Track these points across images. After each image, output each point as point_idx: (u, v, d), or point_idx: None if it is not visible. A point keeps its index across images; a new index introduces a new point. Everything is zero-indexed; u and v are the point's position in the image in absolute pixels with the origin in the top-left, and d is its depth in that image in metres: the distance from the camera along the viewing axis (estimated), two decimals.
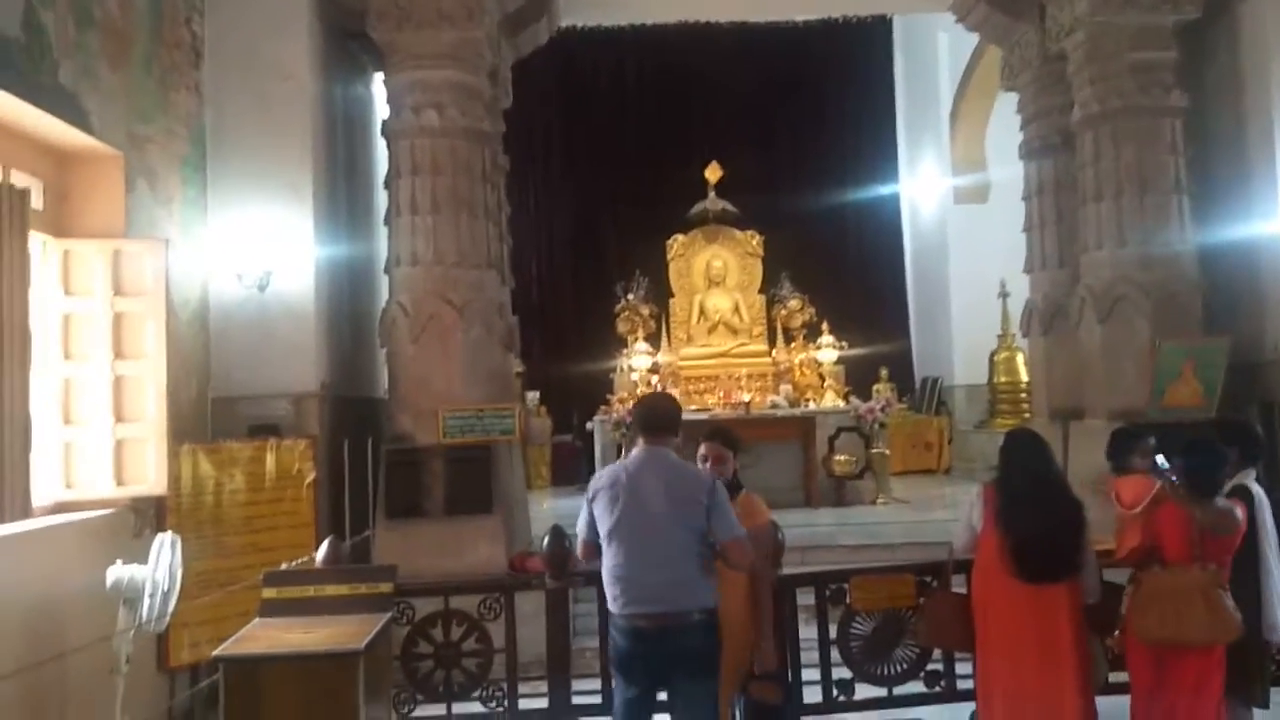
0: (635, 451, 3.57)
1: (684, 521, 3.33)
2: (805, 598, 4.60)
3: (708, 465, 3.77)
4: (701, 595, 3.37)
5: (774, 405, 9.83)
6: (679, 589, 3.33)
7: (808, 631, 4.56)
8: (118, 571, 4.21)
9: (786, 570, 4.37)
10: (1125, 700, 4.11)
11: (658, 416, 3.56)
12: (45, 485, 4.71)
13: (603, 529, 3.43)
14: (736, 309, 10.80)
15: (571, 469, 11.84)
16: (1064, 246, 7.48)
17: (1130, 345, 6.56)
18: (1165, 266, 6.54)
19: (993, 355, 11.58)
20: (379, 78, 7.38)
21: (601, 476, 3.55)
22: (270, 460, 5.66)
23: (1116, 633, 4.03)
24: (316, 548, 4.76)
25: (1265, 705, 4.18)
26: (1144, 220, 6.55)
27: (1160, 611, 3.75)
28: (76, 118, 4.65)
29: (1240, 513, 3.85)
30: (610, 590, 3.44)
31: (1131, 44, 6.60)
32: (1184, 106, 6.66)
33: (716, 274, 10.86)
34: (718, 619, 3.43)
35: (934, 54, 12.74)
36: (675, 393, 9.94)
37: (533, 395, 12.14)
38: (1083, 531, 3.83)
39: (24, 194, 4.12)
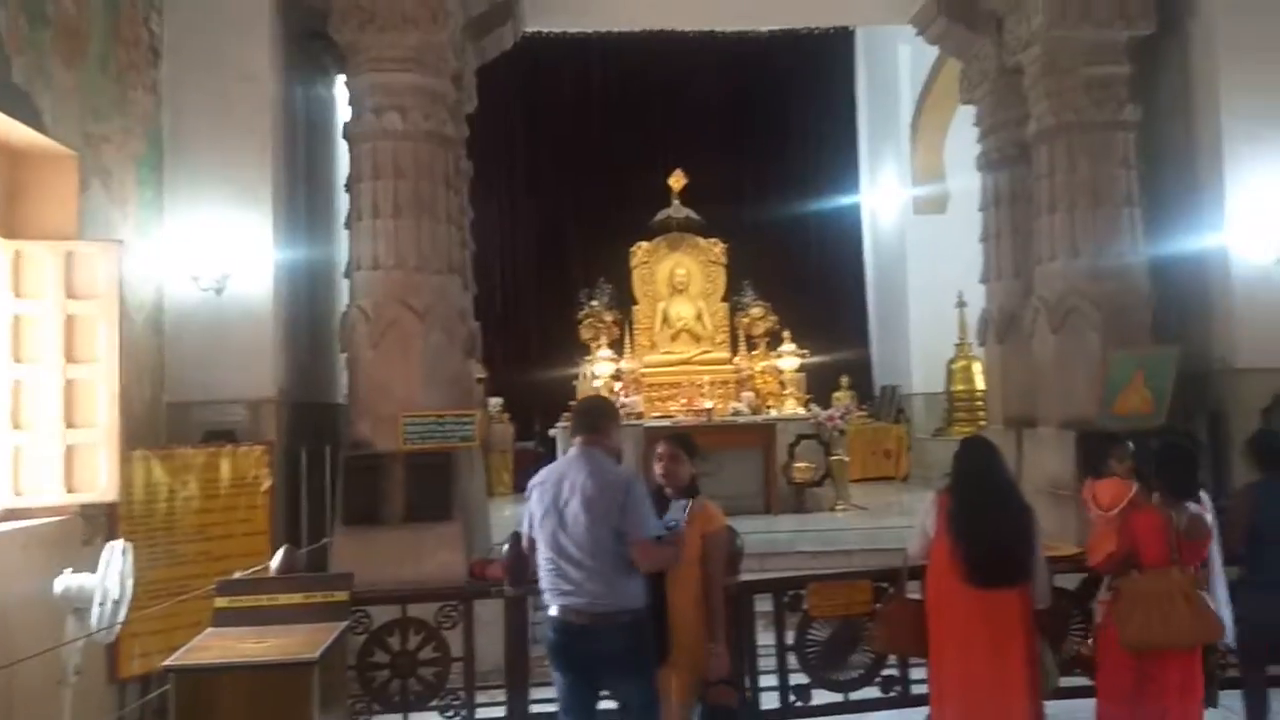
0: (570, 451, 3.65)
1: (602, 519, 3.38)
2: (763, 604, 4.64)
3: (661, 465, 3.83)
4: (624, 595, 3.41)
5: (736, 412, 9.90)
6: (601, 586, 3.38)
7: (765, 638, 4.60)
8: (66, 580, 4.12)
9: (745, 576, 4.40)
10: (1079, 704, 4.19)
11: (589, 416, 3.68)
12: None
13: (535, 524, 3.54)
14: (699, 316, 10.86)
15: (534, 476, 11.75)
16: (1019, 257, 7.61)
17: (1082, 355, 6.69)
18: (1116, 278, 6.68)
19: (950, 364, 11.75)
20: (341, 79, 7.30)
21: (539, 474, 3.66)
22: (225, 467, 5.57)
23: (1090, 640, 4.10)
24: (272, 556, 4.71)
25: (1214, 705, 4.30)
26: (1096, 232, 6.68)
27: (1145, 616, 3.79)
28: (29, 116, 4.55)
29: (1209, 518, 3.97)
30: (541, 584, 3.54)
31: (1086, 59, 6.74)
32: (1137, 121, 6.82)
33: (680, 281, 10.91)
34: (647, 619, 3.47)
35: (895, 66, 12.92)
36: (638, 399, 9.99)
37: (495, 401, 12.09)
38: (1033, 538, 3.91)
39: None
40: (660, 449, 3.90)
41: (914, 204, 12.73)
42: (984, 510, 3.83)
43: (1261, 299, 6.53)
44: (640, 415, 9.65)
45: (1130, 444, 4.69)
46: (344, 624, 4.01)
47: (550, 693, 4.43)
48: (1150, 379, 6.28)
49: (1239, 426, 6.29)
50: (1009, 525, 3.84)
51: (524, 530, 3.68)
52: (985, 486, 3.91)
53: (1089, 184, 6.70)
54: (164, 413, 5.92)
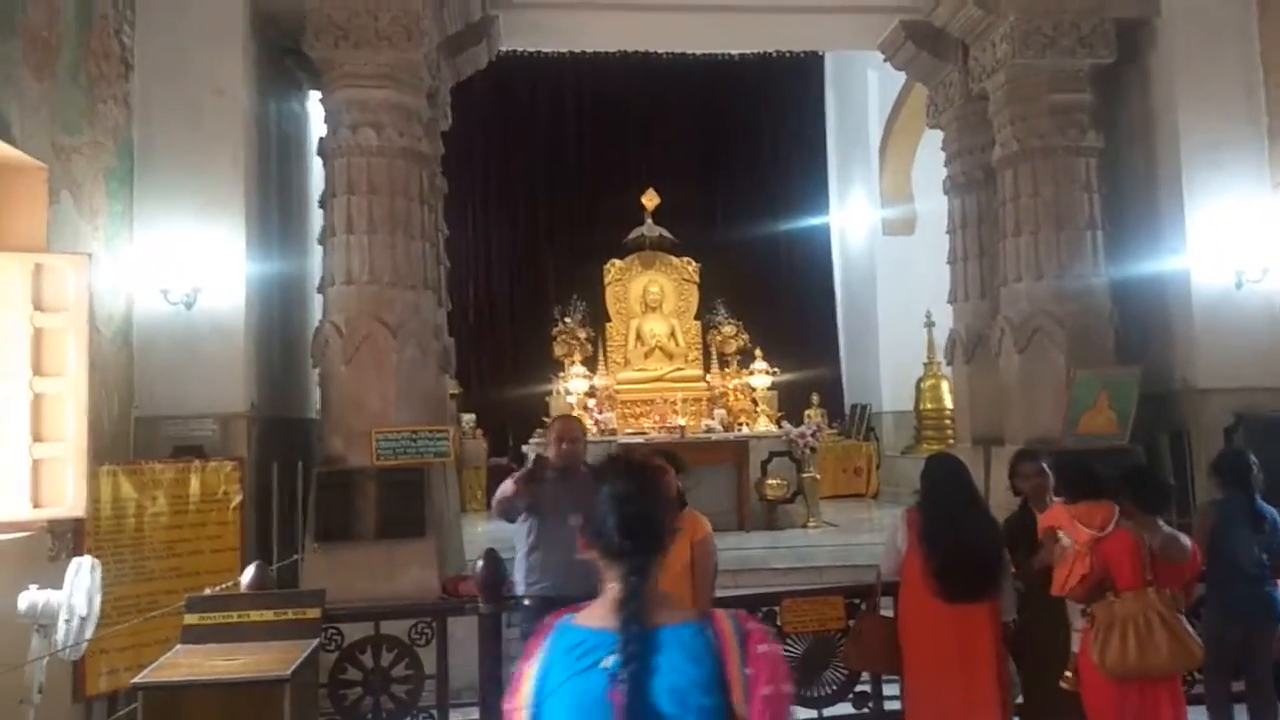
0: None
1: None
2: None
3: None
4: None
5: (708, 429, 9.94)
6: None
7: None
8: (31, 596, 4.05)
9: (719, 593, 4.42)
10: None
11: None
12: None
13: None
14: (672, 334, 10.91)
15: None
16: (985, 278, 7.76)
17: (1047, 374, 6.81)
18: (1080, 299, 6.82)
19: (919, 383, 11.89)
20: (315, 95, 7.31)
21: None
22: (195, 482, 5.51)
23: (1069, 673, 3.92)
24: (242, 572, 4.66)
25: None
26: (1060, 255, 6.82)
27: (1122, 641, 3.65)
28: None
29: (1188, 542, 3.86)
30: None
31: (1049, 86, 6.91)
32: (1099, 147, 6.98)
33: (653, 299, 10.96)
34: None
35: (864, 90, 13.13)
36: (612, 415, 10.00)
37: (468, 418, 12.05)
38: (1001, 552, 3.97)
39: None
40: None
41: (883, 225, 12.91)
42: (954, 525, 3.87)
43: (1222, 321, 6.71)
44: (614, 432, 9.67)
45: (1040, 460, 4.56)
46: (316, 641, 3.97)
47: None
48: (1114, 399, 6.42)
49: (1201, 446, 6.44)
50: (978, 538, 3.89)
51: None
52: (954, 501, 3.96)
53: (1052, 207, 6.85)
54: (133, 428, 5.85)
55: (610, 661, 1.57)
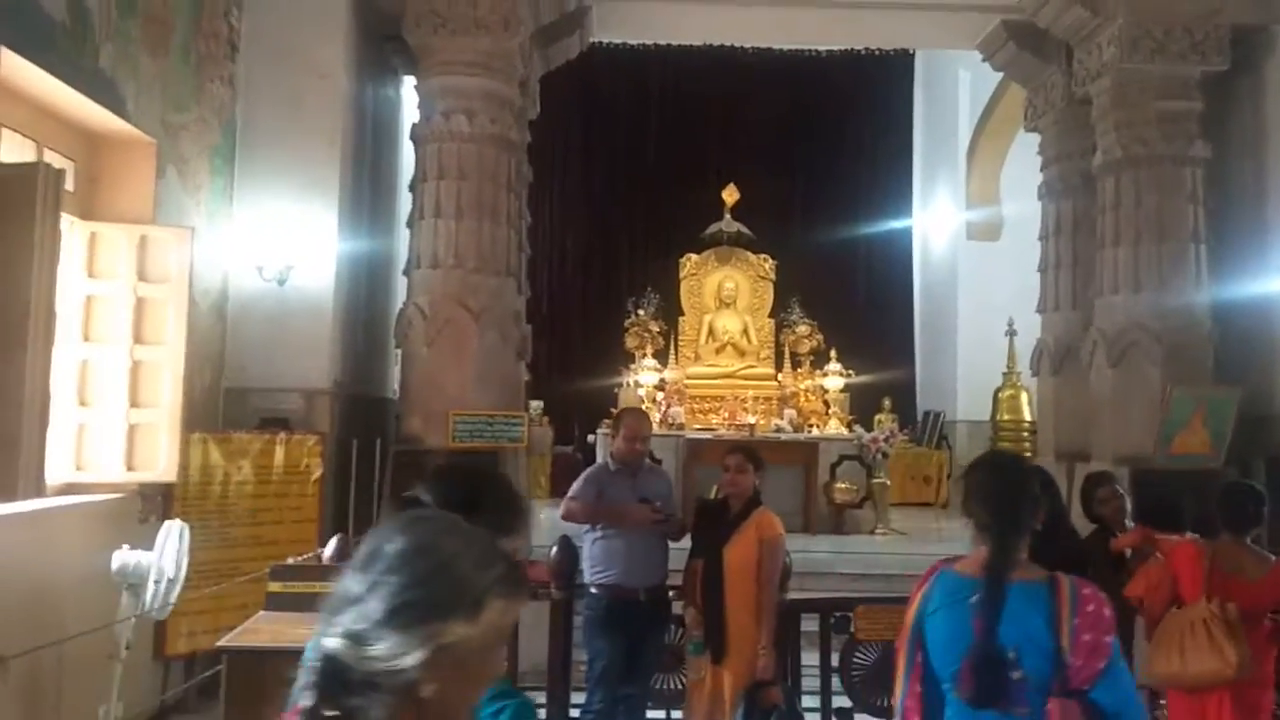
0: None
1: None
2: (808, 624, 4.60)
3: (728, 475, 4.05)
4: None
5: (778, 429, 9.83)
6: None
7: (809, 658, 4.56)
8: (123, 557, 4.20)
9: (791, 595, 4.38)
10: None
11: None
12: (56, 466, 4.70)
13: None
14: (745, 331, 10.81)
15: (570, 481, 11.71)
16: (1078, 289, 7.53)
17: (1140, 391, 6.58)
18: (1179, 315, 6.58)
19: (997, 392, 11.58)
20: (409, 81, 7.42)
21: None
22: (279, 454, 5.67)
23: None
24: (320, 544, 4.77)
25: None
26: (1160, 268, 6.58)
27: (1167, 649, 3.59)
28: (113, 103, 4.69)
29: (1270, 559, 3.69)
30: None
31: (1157, 93, 6.66)
32: (1206, 157, 6.72)
33: (728, 295, 10.87)
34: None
35: (954, 90, 12.82)
36: (680, 410, 9.97)
37: (536, 404, 12.13)
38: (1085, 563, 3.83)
39: (59, 174, 4.13)
40: (728, 460, 4.08)
41: (967, 229, 12.59)
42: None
43: None
44: (682, 426, 9.63)
45: (1115, 483, 4.44)
46: None
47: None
48: (1210, 419, 6.17)
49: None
50: (1057, 553, 3.76)
51: None
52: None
53: (1155, 218, 6.61)
54: (222, 398, 6.03)
55: (974, 600, 2.08)
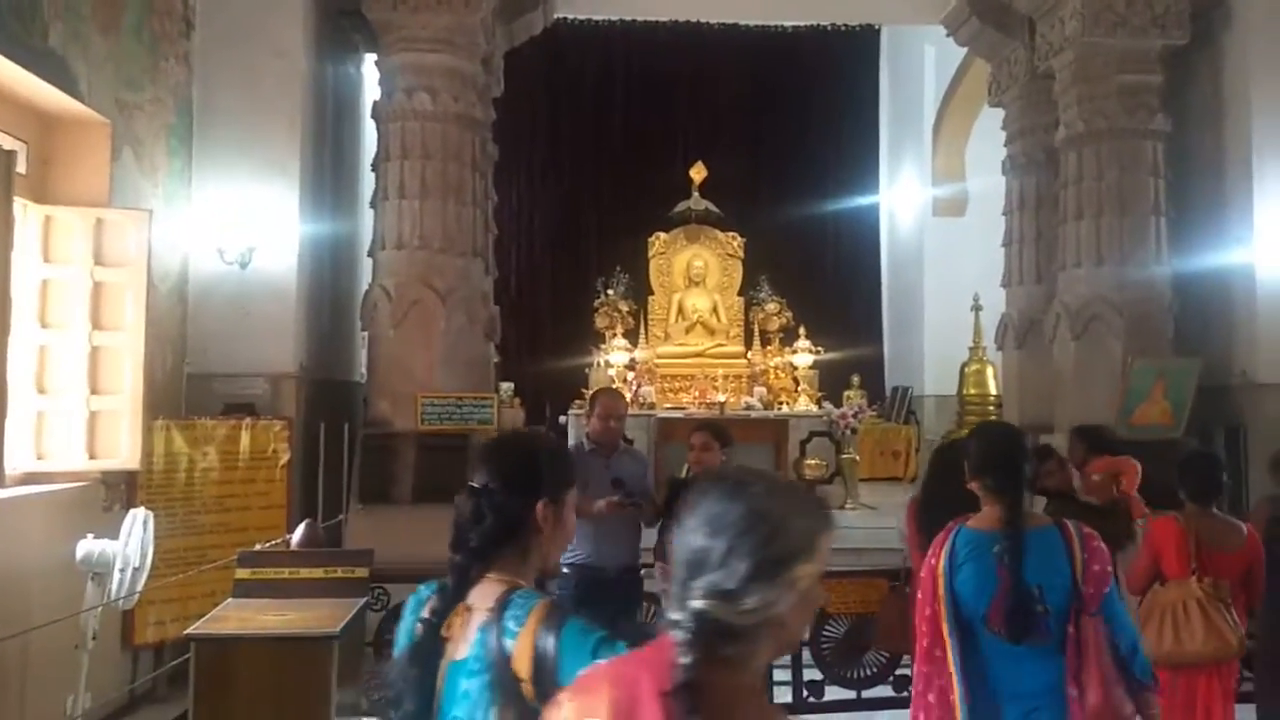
0: None
1: None
2: None
3: (694, 452, 4.05)
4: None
5: (748, 407, 9.87)
6: None
7: None
8: (87, 546, 4.14)
9: None
10: None
11: None
12: (15, 455, 4.61)
13: None
14: (715, 309, 10.83)
15: None
16: (1042, 263, 7.60)
17: (1102, 363, 6.68)
18: (1140, 287, 6.66)
19: (963, 367, 11.68)
20: (370, 58, 7.30)
21: None
22: (245, 439, 5.60)
23: None
24: (288, 530, 4.73)
25: None
26: (1122, 241, 6.66)
27: (1159, 629, 3.59)
28: (65, 82, 4.57)
29: (1244, 528, 3.73)
30: None
31: (1119, 66, 6.71)
32: (1167, 131, 6.79)
33: (697, 273, 10.88)
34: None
35: (919, 66, 12.85)
36: (651, 389, 9.98)
37: (507, 386, 12.07)
38: None
39: (10, 156, 4.04)
40: (694, 438, 4.07)
41: (933, 205, 12.66)
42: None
43: None
44: (653, 406, 9.65)
45: (1056, 455, 4.47)
46: (363, 600, 4.02)
47: None
48: (1170, 390, 6.28)
49: (1259, 442, 6.27)
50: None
51: None
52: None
53: (1116, 191, 6.68)
54: (184, 384, 5.93)
55: (998, 549, 2.43)
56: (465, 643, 1.55)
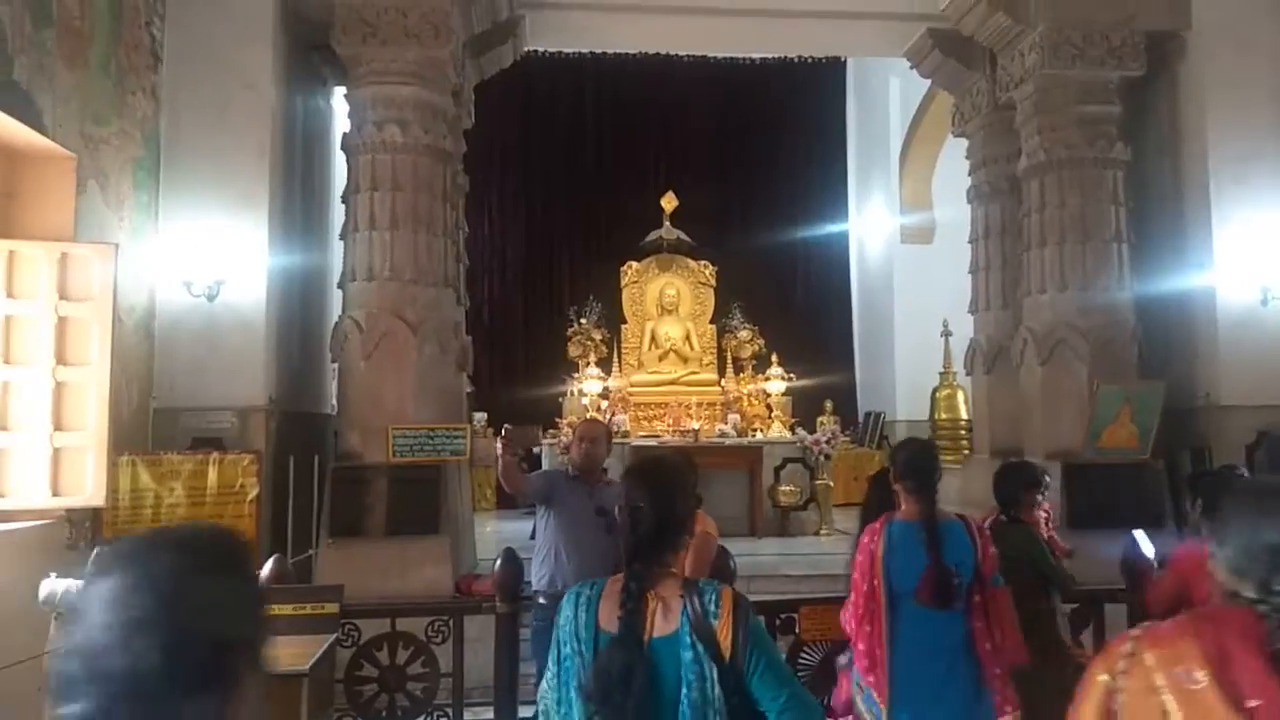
0: None
1: None
2: None
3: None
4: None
5: (722, 434, 9.90)
6: None
7: None
8: (51, 585, 4.05)
9: None
10: None
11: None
12: None
13: None
14: (688, 337, 10.88)
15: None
16: (1008, 289, 7.71)
17: (1069, 387, 6.76)
18: (1104, 312, 6.78)
19: (934, 392, 11.81)
20: (339, 91, 7.31)
21: None
22: (213, 474, 5.52)
23: None
24: (259, 565, 4.65)
25: None
26: (1085, 267, 6.78)
27: None
28: (29, 116, 4.54)
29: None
30: None
31: (1078, 97, 6.87)
32: (1126, 159, 6.94)
33: (669, 302, 10.94)
34: None
35: (885, 97, 13.08)
36: (625, 418, 9.98)
37: (480, 416, 12.02)
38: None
39: None
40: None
41: (901, 233, 12.85)
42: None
43: (1247, 337, 6.66)
44: (627, 434, 9.64)
45: (1047, 477, 4.50)
46: (333, 636, 3.96)
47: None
48: (1137, 414, 6.37)
49: (1223, 463, 6.36)
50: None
51: None
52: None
53: (1078, 219, 6.81)
54: (151, 418, 5.86)
55: (922, 536, 3.00)
56: (670, 623, 1.95)
